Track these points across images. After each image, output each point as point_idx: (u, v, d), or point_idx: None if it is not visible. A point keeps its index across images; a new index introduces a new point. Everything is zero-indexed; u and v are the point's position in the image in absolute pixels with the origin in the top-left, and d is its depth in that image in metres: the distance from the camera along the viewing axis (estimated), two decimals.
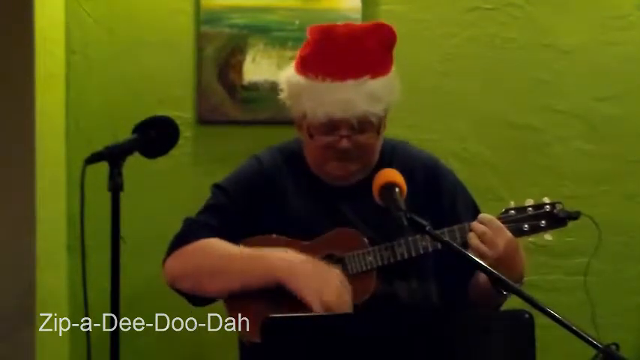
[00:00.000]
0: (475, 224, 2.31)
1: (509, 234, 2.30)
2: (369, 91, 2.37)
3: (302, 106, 2.40)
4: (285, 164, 2.51)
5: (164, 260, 2.48)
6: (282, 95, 2.47)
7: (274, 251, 2.37)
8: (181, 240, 2.46)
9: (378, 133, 2.42)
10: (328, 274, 2.33)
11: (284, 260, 2.35)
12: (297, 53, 2.48)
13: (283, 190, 2.47)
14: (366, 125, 2.38)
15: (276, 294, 2.35)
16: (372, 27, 2.48)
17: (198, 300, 2.48)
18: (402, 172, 2.24)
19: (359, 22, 3.09)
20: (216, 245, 2.43)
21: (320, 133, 2.39)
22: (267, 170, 2.50)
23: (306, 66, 2.41)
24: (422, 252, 2.34)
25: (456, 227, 2.32)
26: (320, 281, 2.31)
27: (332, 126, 2.38)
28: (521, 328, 1.84)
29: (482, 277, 2.40)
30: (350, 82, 2.36)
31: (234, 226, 2.43)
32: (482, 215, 2.34)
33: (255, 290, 2.36)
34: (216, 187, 2.53)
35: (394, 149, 2.52)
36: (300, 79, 2.41)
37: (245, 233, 2.42)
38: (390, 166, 2.32)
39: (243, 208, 2.46)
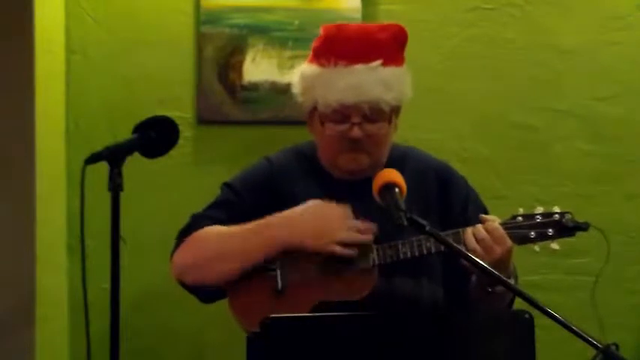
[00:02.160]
0: (478, 228, 2.31)
1: (509, 243, 2.29)
2: (380, 77, 2.38)
3: (314, 94, 2.41)
4: (297, 163, 2.53)
5: (171, 256, 2.48)
6: (295, 90, 2.48)
7: (273, 216, 2.38)
8: (186, 234, 2.47)
9: (389, 123, 2.42)
10: (330, 216, 2.35)
11: (285, 221, 2.36)
12: (311, 46, 2.50)
13: (294, 189, 2.47)
14: (378, 114, 2.39)
15: (278, 286, 2.36)
16: (384, 25, 2.53)
17: (206, 294, 2.48)
18: (415, 175, 2.25)
19: (359, 22, 3.09)
20: (218, 229, 2.43)
21: (332, 121, 2.40)
22: (277, 170, 2.51)
23: (318, 55, 2.44)
24: (425, 252, 2.34)
25: (461, 230, 2.32)
26: (323, 223, 2.33)
27: (344, 114, 2.38)
28: (521, 328, 1.84)
29: (472, 281, 2.41)
30: (361, 67, 2.38)
31: (240, 223, 2.43)
32: (488, 221, 2.33)
33: (261, 274, 2.36)
34: (225, 185, 2.54)
35: (405, 154, 2.53)
36: (312, 68, 2.44)
37: None
38: (402, 170, 2.29)
39: (251, 205, 2.46)
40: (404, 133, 3.13)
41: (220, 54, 3.14)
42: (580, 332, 1.74)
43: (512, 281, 2.42)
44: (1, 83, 2.71)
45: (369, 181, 2.40)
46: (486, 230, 2.29)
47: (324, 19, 3.06)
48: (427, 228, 2.02)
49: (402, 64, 2.45)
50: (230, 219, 2.45)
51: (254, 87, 3.15)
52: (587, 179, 3.29)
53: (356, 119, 2.38)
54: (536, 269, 3.23)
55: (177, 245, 2.47)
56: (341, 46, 2.41)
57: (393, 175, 2.18)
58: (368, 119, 2.39)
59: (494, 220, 2.33)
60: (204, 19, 3.14)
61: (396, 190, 2.13)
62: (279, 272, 2.37)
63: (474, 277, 2.39)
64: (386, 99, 2.38)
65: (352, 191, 2.45)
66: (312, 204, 2.38)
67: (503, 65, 3.27)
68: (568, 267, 3.23)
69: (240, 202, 2.49)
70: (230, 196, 2.51)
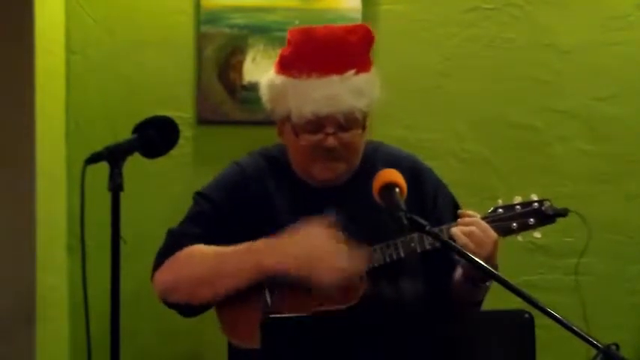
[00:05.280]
0: (462, 222, 2.30)
1: (494, 234, 2.29)
2: (354, 86, 2.37)
3: (286, 106, 2.39)
4: (268, 168, 2.50)
5: (152, 275, 2.46)
6: (264, 99, 2.45)
7: (262, 240, 2.34)
8: (167, 253, 2.44)
9: (363, 130, 2.42)
10: (318, 246, 2.30)
11: (272, 245, 2.33)
12: (278, 55, 2.47)
13: (267, 194, 2.45)
14: (352, 122, 2.38)
15: (267, 301, 2.36)
16: (351, 27, 2.49)
17: (191, 311, 2.47)
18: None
19: (359, 22, 3.09)
20: (204, 251, 2.40)
21: (306, 132, 2.38)
22: (250, 175, 2.48)
23: (288, 65, 2.41)
24: (410, 252, 2.33)
25: (444, 227, 2.31)
26: (313, 252, 2.29)
27: (318, 124, 2.37)
28: (521, 328, 1.84)
29: (456, 275, 2.41)
30: (335, 77, 2.36)
31: (218, 233, 2.40)
32: (466, 213, 2.32)
33: (249, 289, 2.35)
34: (199, 195, 2.50)
35: (376, 149, 2.52)
36: (283, 79, 2.40)
37: (230, 239, 2.39)
38: (374, 166, 2.29)
39: (226, 214, 2.44)
40: (404, 133, 3.14)
41: (220, 54, 3.14)
42: (580, 332, 1.74)
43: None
44: (1, 83, 2.71)
45: (343, 186, 2.40)
46: (471, 223, 2.29)
47: (324, 19, 3.07)
48: (427, 228, 2.02)
49: (371, 68, 2.44)
50: (208, 231, 2.42)
51: (254, 87, 3.13)
52: (587, 179, 3.29)
53: (330, 129, 2.37)
54: (534, 269, 3.23)
55: (158, 264, 2.45)
56: (313, 56, 2.38)
57: (393, 175, 2.18)
58: (342, 128, 2.37)
59: (474, 214, 2.33)
60: (204, 19, 3.14)
61: (396, 190, 2.13)
62: (267, 291, 2.36)
63: (458, 272, 2.39)
64: (359, 107, 2.37)
65: (327, 196, 2.43)
66: (301, 230, 2.33)
67: (503, 65, 3.27)
68: (566, 267, 3.22)
69: (215, 210, 2.45)
70: (204, 207, 2.47)
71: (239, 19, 3.14)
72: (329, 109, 2.35)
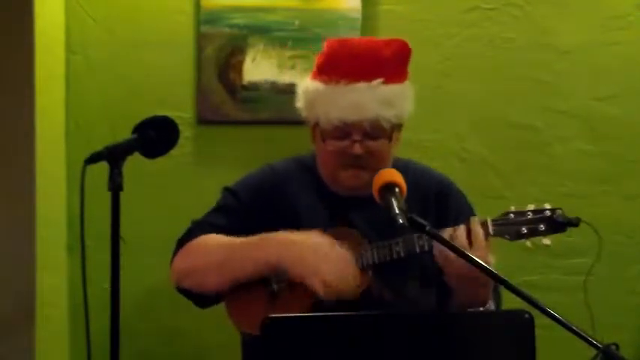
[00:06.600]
0: (458, 234, 2.28)
1: (487, 258, 2.25)
2: (381, 95, 2.38)
3: (316, 111, 2.42)
4: (298, 174, 2.53)
5: (171, 262, 2.48)
6: (299, 105, 2.49)
7: (276, 234, 2.37)
8: (186, 241, 2.47)
9: (390, 140, 2.43)
10: (331, 253, 2.32)
11: (283, 242, 2.35)
12: (314, 62, 2.50)
13: (294, 197, 2.47)
14: (378, 131, 2.40)
15: (273, 289, 2.36)
16: (388, 40, 2.50)
17: (204, 300, 2.48)
18: (415, 189, 2.25)
19: (359, 22, 3.10)
20: (217, 240, 2.44)
21: (333, 138, 2.41)
22: (279, 177, 2.52)
23: (321, 71, 2.45)
24: (418, 251, 2.33)
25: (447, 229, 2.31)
26: (319, 260, 2.31)
27: (345, 131, 2.39)
28: (521, 328, 1.84)
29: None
30: (362, 85, 2.38)
31: (240, 228, 2.43)
32: (475, 223, 2.31)
33: (257, 279, 2.36)
34: (226, 190, 2.54)
35: (406, 167, 2.52)
36: (315, 84, 2.45)
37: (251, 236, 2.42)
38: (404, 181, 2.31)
39: (251, 211, 2.47)
40: (404, 133, 3.13)
41: (220, 54, 3.14)
42: (580, 332, 1.74)
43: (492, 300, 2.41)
44: (1, 83, 2.71)
45: (368, 197, 2.40)
46: (469, 236, 2.27)
47: (324, 19, 3.07)
48: (427, 228, 2.02)
49: (405, 79, 2.45)
50: (230, 224, 2.45)
51: (254, 87, 3.15)
52: (587, 179, 3.29)
53: (357, 136, 2.39)
54: (534, 269, 3.23)
55: (177, 251, 2.48)
56: (344, 63, 2.41)
57: (393, 175, 2.18)
58: (369, 136, 2.39)
59: (478, 230, 2.29)
60: (204, 19, 3.14)
61: (396, 190, 2.13)
62: (274, 278, 2.37)
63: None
64: (386, 117, 2.38)
65: (351, 206, 2.44)
66: (321, 240, 2.35)
67: (503, 65, 3.27)
68: (566, 267, 3.23)
69: (241, 206, 2.49)
70: (230, 201, 2.51)
71: (239, 19, 3.14)
72: (355, 117, 2.37)
